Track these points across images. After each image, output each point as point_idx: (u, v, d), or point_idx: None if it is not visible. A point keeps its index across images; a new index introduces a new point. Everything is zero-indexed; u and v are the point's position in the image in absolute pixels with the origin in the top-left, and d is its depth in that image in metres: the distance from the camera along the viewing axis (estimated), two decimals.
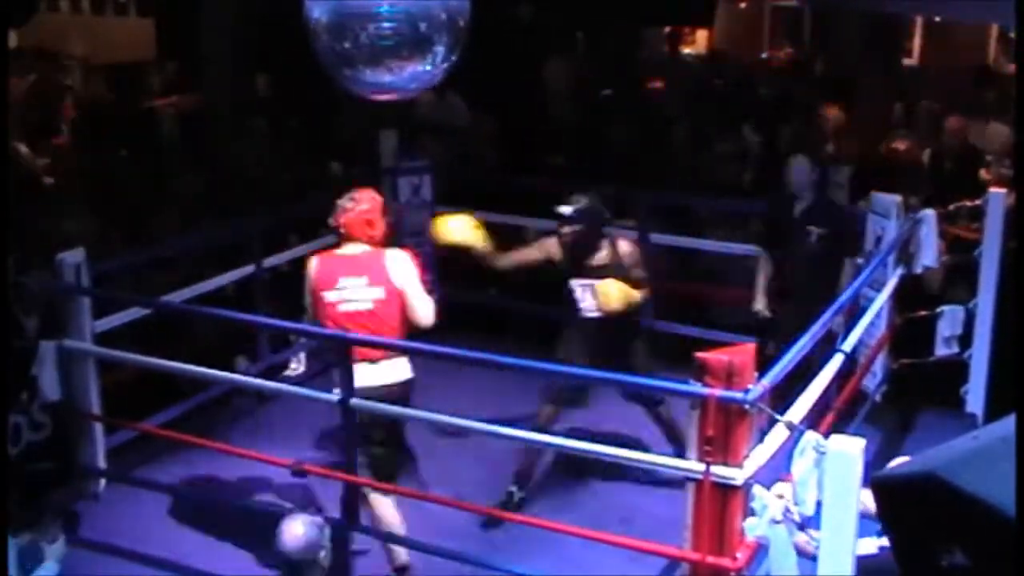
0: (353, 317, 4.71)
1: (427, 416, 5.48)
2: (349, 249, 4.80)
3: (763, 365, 4.01)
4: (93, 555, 4.97)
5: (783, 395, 4.20)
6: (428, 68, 4.34)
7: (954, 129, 7.77)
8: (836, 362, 4.88)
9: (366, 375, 4.69)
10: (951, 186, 7.17)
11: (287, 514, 3.60)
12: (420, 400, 4.88)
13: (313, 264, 4.81)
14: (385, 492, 4.77)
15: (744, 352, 3.94)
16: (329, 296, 4.71)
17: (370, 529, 4.91)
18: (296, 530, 3.47)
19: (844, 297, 5.05)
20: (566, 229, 5.40)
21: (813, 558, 3.56)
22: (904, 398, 6.28)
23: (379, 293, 4.73)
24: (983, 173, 7.40)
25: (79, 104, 8.91)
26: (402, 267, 4.79)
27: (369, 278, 4.73)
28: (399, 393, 4.78)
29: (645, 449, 5.28)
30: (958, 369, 6.14)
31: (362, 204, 4.80)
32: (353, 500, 4.99)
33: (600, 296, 5.28)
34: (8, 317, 5.09)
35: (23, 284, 5.28)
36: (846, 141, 7.82)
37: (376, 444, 4.76)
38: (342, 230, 4.79)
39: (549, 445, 5.17)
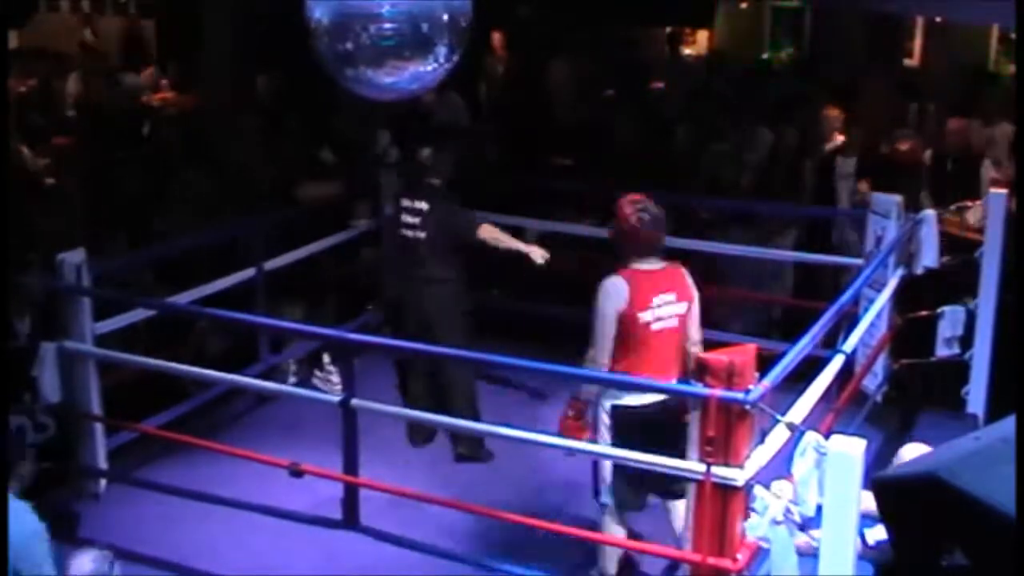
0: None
1: (427, 417, 5.51)
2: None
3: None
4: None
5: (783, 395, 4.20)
6: (429, 68, 4.34)
7: (955, 130, 7.76)
8: (837, 362, 4.88)
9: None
10: (952, 186, 7.18)
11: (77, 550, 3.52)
12: None
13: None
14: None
15: (745, 352, 3.94)
16: (644, 316, 4.44)
17: (370, 529, 4.92)
18: (84, 565, 3.40)
19: (844, 297, 5.05)
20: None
21: (814, 555, 3.57)
22: (905, 399, 6.28)
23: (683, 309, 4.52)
24: (990, 173, 7.38)
25: (79, 104, 8.94)
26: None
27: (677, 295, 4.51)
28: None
29: None
30: (959, 370, 6.14)
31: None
32: (353, 500, 5.00)
33: None
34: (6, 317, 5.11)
35: (20, 285, 5.29)
36: (852, 132, 7.81)
37: None
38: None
39: (550, 446, 5.18)
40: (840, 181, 7.56)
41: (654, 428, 4.31)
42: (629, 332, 4.41)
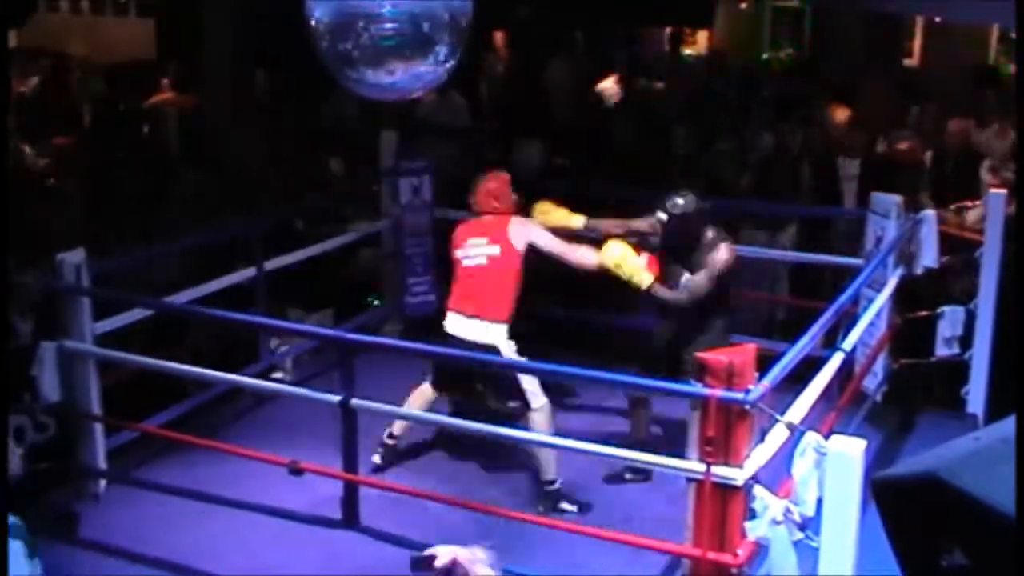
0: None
1: (428, 418, 5.51)
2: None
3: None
4: (93, 555, 4.97)
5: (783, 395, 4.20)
6: (430, 68, 4.34)
7: (955, 132, 7.75)
8: (836, 360, 4.88)
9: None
10: (952, 187, 7.17)
11: None
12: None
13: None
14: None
15: (744, 352, 3.95)
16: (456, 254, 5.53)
17: (370, 529, 4.93)
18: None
19: (844, 297, 5.05)
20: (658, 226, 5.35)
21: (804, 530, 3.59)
22: (904, 399, 6.28)
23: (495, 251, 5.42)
24: (988, 176, 7.38)
25: (78, 104, 8.93)
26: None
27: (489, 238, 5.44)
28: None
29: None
30: (959, 370, 6.14)
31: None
32: (353, 500, 5.00)
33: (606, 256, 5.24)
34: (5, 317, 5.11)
35: (21, 285, 5.28)
36: (855, 133, 7.81)
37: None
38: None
39: (549, 446, 5.19)
40: (844, 183, 7.56)
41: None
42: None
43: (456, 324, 5.44)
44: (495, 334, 5.37)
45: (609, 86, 9.78)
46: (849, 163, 7.57)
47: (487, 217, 5.57)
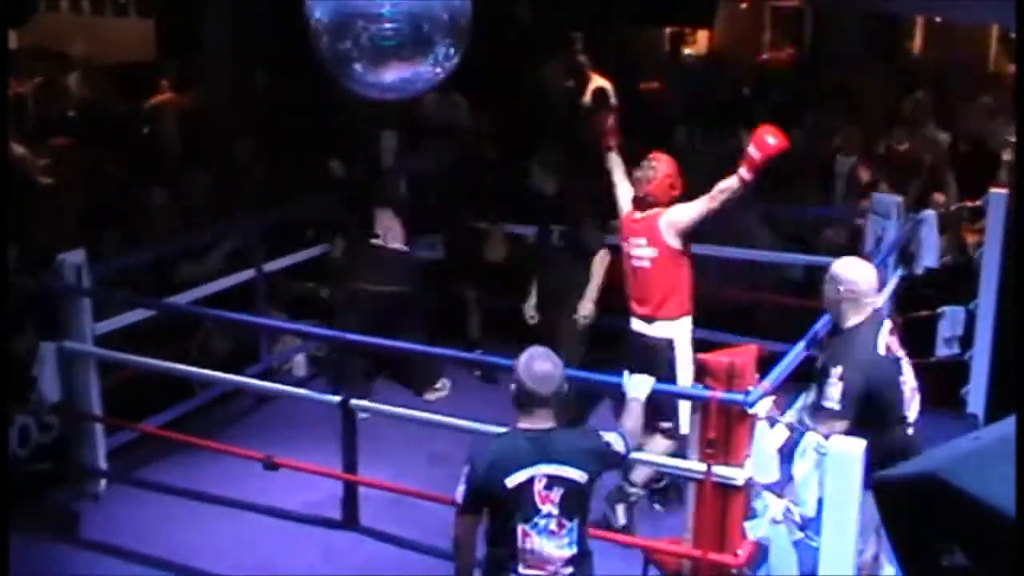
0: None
1: (427, 417, 5.51)
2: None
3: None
4: (93, 555, 4.98)
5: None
6: (430, 68, 4.34)
7: (972, 115, 7.75)
8: None
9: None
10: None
11: None
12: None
13: None
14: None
15: (745, 354, 3.95)
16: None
17: (370, 529, 4.92)
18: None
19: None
20: None
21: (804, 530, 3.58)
22: None
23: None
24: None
25: (79, 104, 8.92)
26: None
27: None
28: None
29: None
30: (959, 370, 6.13)
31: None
32: (353, 500, 5.00)
33: None
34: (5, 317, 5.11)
35: (19, 285, 5.29)
36: (851, 131, 7.81)
37: None
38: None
39: None
40: (839, 179, 7.57)
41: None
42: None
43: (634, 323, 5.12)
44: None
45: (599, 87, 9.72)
46: (843, 160, 7.57)
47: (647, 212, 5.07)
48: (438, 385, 6.57)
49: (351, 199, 6.80)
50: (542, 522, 3.24)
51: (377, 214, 6.47)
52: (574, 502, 3.27)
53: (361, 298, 6.30)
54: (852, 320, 4.05)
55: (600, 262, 5.78)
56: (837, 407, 3.84)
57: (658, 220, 4.99)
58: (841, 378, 3.85)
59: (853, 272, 4.08)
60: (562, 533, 3.26)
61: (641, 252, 5.04)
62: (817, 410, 3.92)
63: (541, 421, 3.29)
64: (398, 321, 6.16)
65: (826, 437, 3.70)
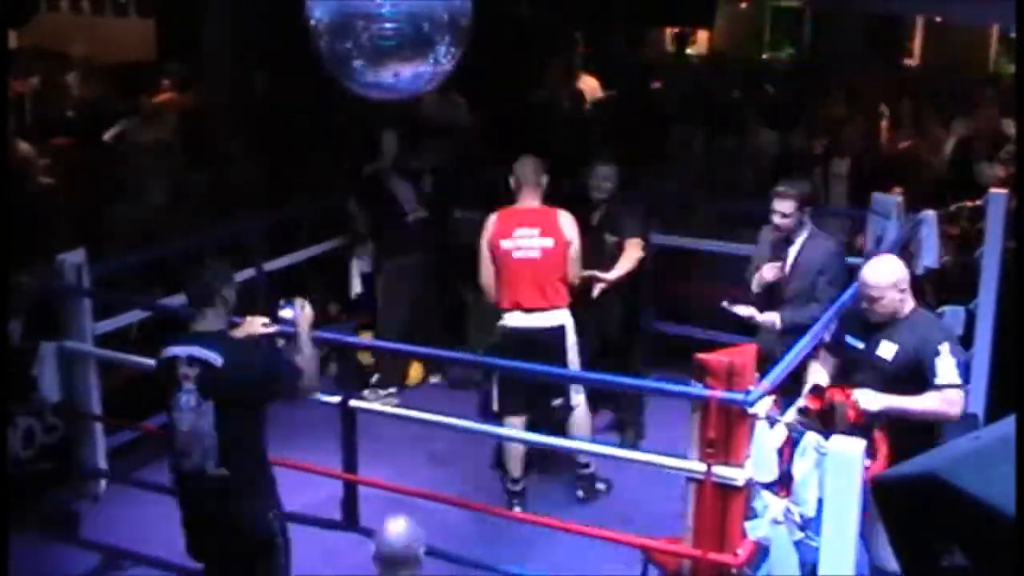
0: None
1: (427, 417, 5.51)
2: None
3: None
4: (93, 555, 4.97)
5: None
6: (430, 68, 4.34)
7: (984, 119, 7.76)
8: None
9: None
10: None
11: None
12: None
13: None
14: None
15: (745, 353, 3.95)
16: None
17: (369, 530, 4.91)
18: (398, 527, 3.63)
19: (844, 297, 5.04)
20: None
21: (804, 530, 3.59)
22: None
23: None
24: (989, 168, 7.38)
25: (79, 104, 8.92)
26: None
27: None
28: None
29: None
30: None
31: None
32: (353, 500, 5.00)
33: None
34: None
35: (18, 285, 5.29)
36: (848, 131, 7.81)
37: None
38: None
39: (549, 446, 5.19)
40: (832, 180, 7.57)
41: (532, 347, 5.13)
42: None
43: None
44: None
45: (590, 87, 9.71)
46: (838, 162, 7.57)
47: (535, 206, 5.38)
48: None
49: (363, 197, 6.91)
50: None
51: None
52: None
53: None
54: (910, 304, 4.32)
55: (636, 246, 5.77)
56: (959, 380, 4.11)
57: (558, 214, 5.29)
58: (952, 353, 4.12)
59: (897, 264, 4.36)
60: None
61: (533, 243, 5.25)
62: (936, 389, 4.08)
63: None
64: None
65: (953, 416, 4.00)
